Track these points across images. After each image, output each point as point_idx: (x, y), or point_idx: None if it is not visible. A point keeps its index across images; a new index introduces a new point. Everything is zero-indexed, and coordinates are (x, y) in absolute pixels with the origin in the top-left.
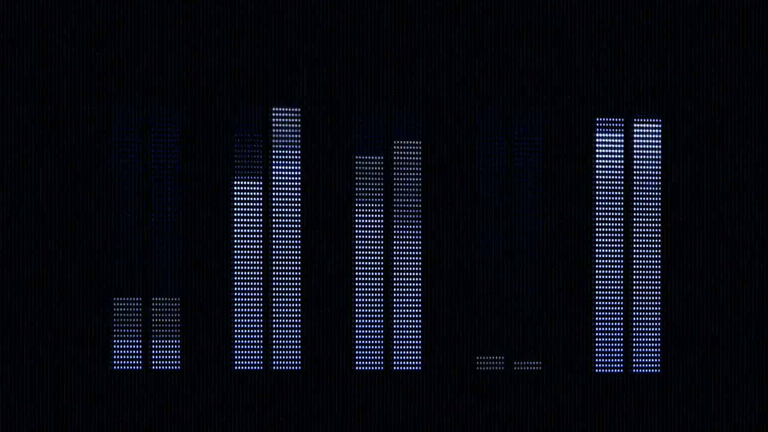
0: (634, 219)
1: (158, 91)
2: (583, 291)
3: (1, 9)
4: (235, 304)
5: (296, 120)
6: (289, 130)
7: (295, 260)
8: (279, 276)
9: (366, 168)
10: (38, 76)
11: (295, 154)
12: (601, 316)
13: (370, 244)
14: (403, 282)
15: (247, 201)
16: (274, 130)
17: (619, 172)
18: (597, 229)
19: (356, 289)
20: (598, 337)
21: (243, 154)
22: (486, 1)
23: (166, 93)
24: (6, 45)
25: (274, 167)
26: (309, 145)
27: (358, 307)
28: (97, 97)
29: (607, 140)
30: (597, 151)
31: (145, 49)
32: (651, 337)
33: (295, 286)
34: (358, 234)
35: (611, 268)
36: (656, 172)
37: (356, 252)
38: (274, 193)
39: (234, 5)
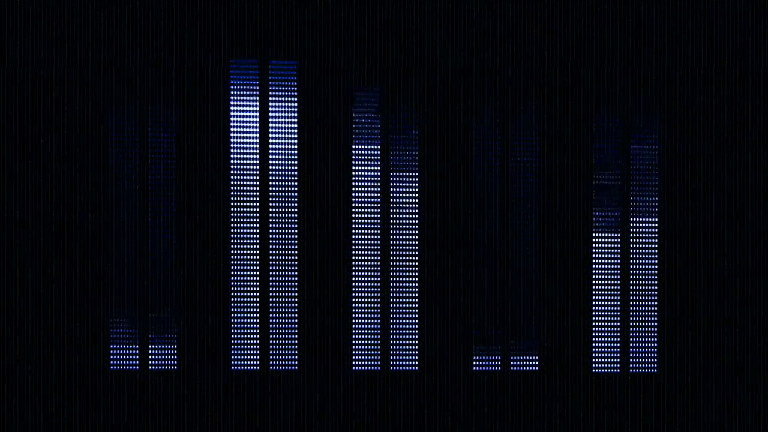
0: (632, 218)
1: (155, 92)
2: (581, 291)
3: None
4: (233, 305)
5: (293, 119)
6: (286, 130)
7: (292, 260)
8: (276, 276)
9: (362, 168)
10: (34, 77)
11: (292, 155)
12: (599, 316)
13: (368, 244)
14: (400, 282)
15: (244, 201)
16: (271, 130)
17: (615, 171)
18: (594, 229)
19: (353, 290)
20: (596, 337)
21: (240, 154)
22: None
23: (163, 93)
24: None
25: (271, 167)
26: (306, 146)
27: (356, 308)
28: (92, 98)
29: (603, 138)
30: (594, 149)
31: (141, 48)
32: (648, 337)
33: (292, 287)
34: (355, 234)
35: (608, 268)
36: (654, 171)
37: (353, 252)
38: (271, 194)
39: (231, 5)
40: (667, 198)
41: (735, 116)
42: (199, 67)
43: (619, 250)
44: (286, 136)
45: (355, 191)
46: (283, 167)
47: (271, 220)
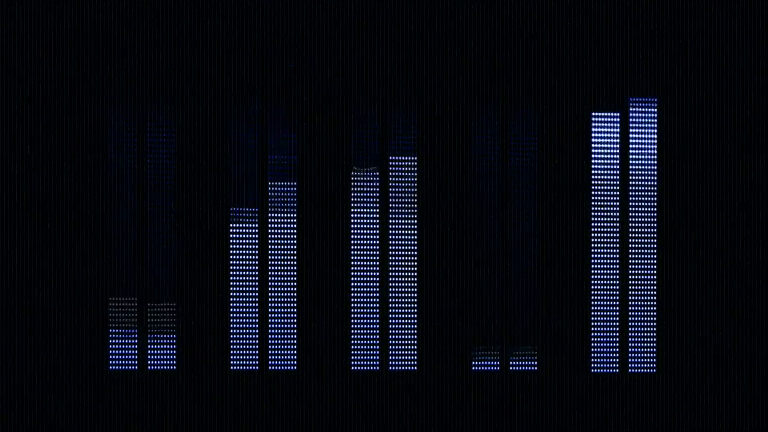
0: (631, 218)
1: (155, 91)
2: (580, 291)
3: None
4: (232, 304)
5: (294, 120)
6: (285, 131)
7: (291, 260)
8: (275, 276)
9: (361, 168)
10: (34, 77)
11: (291, 154)
12: (597, 316)
13: (367, 244)
14: (399, 282)
15: (244, 201)
16: (270, 132)
17: (615, 171)
18: (593, 229)
19: (352, 289)
20: (594, 337)
21: (239, 155)
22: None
23: (163, 93)
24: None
25: (271, 166)
26: (305, 147)
27: (355, 308)
28: (92, 98)
29: (603, 138)
30: (593, 149)
31: (141, 48)
32: (647, 337)
33: (291, 286)
34: (354, 234)
35: (607, 268)
36: (653, 171)
37: (352, 252)
38: (271, 193)
39: (230, 6)
40: (666, 198)
41: (735, 114)
42: (200, 67)
43: (618, 250)
44: (287, 136)
45: (354, 191)
46: (283, 166)
47: (270, 219)
